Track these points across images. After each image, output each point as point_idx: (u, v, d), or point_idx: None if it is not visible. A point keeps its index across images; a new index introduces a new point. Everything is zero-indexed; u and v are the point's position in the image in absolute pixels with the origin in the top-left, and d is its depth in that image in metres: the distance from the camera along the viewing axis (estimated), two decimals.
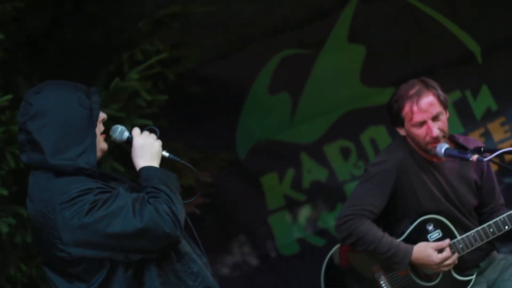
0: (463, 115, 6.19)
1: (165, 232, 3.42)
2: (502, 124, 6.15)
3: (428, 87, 4.60)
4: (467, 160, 4.50)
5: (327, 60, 6.33)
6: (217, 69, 6.41)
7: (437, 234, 4.68)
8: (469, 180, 4.73)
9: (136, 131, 3.67)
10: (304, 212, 6.66)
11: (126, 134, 3.69)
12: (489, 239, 4.65)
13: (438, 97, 4.58)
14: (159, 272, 3.51)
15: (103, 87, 5.34)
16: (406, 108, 4.57)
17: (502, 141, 6.12)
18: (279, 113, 6.51)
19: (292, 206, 6.64)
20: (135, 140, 3.64)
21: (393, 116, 4.67)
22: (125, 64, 5.41)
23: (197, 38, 5.92)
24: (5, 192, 4.90)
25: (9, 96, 4.88)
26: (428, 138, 4.56)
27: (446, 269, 4.64)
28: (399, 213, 4.73)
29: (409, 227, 4.70)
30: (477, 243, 4.65)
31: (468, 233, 4.65)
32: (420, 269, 4.69)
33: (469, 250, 4.66)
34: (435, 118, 4.55)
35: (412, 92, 4.58)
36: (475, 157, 4.47)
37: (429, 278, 4.70)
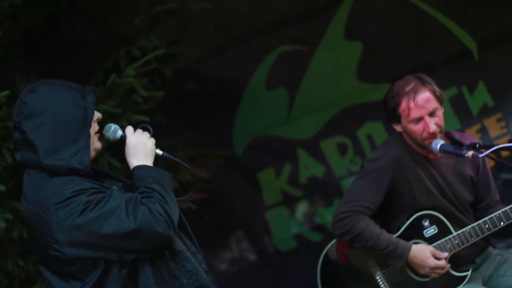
0: (459, 111, 6.20)
1: (158, 232, 3.43)
2: (499, 120, 6.15)
3: (424, 83, 4.61)
4: (463, 156, 4.51)
5: (324, 56, 6.34)
6: (214, 66, 6.41)
7: (432, 230, 4.69)
8: (465, 176, 4.74)
9: (129, 129, 3.68)
10: (301, 208, 6.66)
11: (120, 132, 3.69)
12: (485, 235, 4.66)
13: (434, 93, 4.59)
14: (153, 271, 3.53)
15: (100, 84, 5.35)
16: (403, 105, 4.58)
17: (498, 137, 6.13)
18: (276, 109, 6.51)
19: (289, 201, 6.64)
20: (129, 139, 3.65)
21: (389, 112, 4.67)
22: (121, 60, 5.41)
23: (194, 35, 5.91)
24: (2, 188, 4.91)
25: (6, 92, 4.88)
26: (425, 134, 4.57)
27: (435, 275, 4.65)
28: (395, 209, 4.74)
29: (405, 223, 4.71)
30: (472, 239, 4.66)
31: (464, 229, 4.66)
32: None
33: (464, 246, 4.67)
34: (431, 114, 4.57)
35: (408, 88, 4.58)
36: (470, 153, 4.48)
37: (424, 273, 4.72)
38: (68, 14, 5.42)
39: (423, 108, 4.55)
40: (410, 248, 4.61)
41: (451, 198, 4.70)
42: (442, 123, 4.60)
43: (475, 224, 4.66)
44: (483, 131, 6.16)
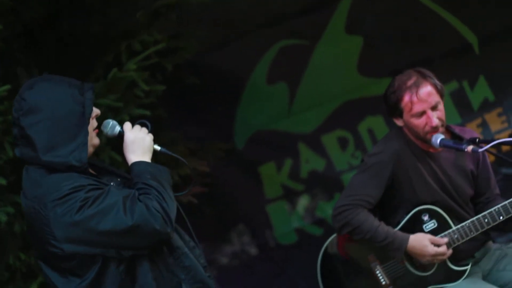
0: (460, 105, 6.20)
1: (155, 229, 3.44)
2: (499, 115, 6.16)
3: (425, 77, 4.61)
4: (462, 150, 4.51)
5: (325, 50, 6.34)
6: (215, 60, 6.42)
7: (432, 224, 4.70)
8: (465, 170, 4.75)
9: (127, 125, 3.68)
10: (302, 202, 6.67)
11: (118, 128, 3.70)
12: (484, 229, 4.66)
13: (435, 86, 4.60)
14: (151, 267, 3.54)
15: (101, 78, 5.35)
16: (406, 99, 4.58)
17: (499, 132, 6.13)
18: (277, 103, 6.51)
19: (290, 195, 6.65)
20: (126, 134, 3.65)
21: (391, 107, 4.67)
22: (123, 54, 5.40)
23: (195, 29, 5.92)
24: (3, 182, 4.91)
25: (7, 86, 4.87)
26: (427, 128, 4.57)
27: (438, 261, 4.66)
28: (395, 203, 4.74)
29: (404, 217, 4.71)
30: (472, 233, 4.66)
31: (463, 224, 4.67)
32: (415, 259, 4.71)
33: (464, 240, 4.67)
34: (434, 108, 4.57)
35: (410, 82, 4.58)
36: (470, 147, 4.48)
37: (424, 268, 4.72)
38: (69, 8, 5.42)
39: (426, 102, 4.55)
40: (408, 238, 4.62)
41: (451, 192, 4.70)
42: (443, 117, 4.61)
43: (474, 218, 4.66)
44: (484, 125, 6.16)
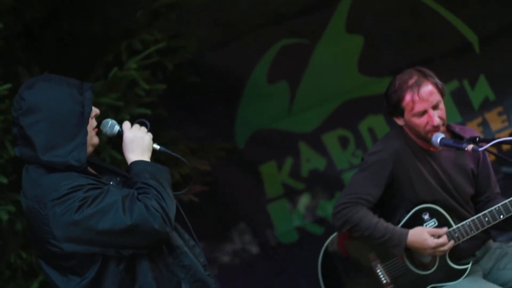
0: (460, 104, 6.21)
1: (154, 228, 3.45)
2: (500, 114, 6.16)
3: (426, 76, 4.61)
4: (463, 149, 4.51)
5: (325, 49, 6.34)
6: (216, 59, 6.42)
7: (432, 223, 4.70)
8: (466, 169, 4.75)
9: (126, 124, 3.68)
10: (303, 201, 6.67)
11: (117, 128, 3.70)
12: (485, 228, 4.66)
13: (436, 85, 4.60)
14: (151, 266, 3.55)
15: (101, 77, 5.36)
16: (407, 98, 4.57)
17: (499, 131, 6.14)
18: (278, 102, 6.52)
19: (290, 194, 6.66)
20: (126, 134, 3.65)
21: (392, 106, 4.67)
22: (123, 53, 5.41)
23: (195, 29, 5.92)
24: (4, 180, 4.92)
25: (8, 85, 4.88)
26: (429, 127, 4.57)
27: (440, 253, 4.65)
28: (395, 202, 4.74)
29: (405, 216, 4.71)
30: (472, 232, 4.66)
31: (464, 222, 4.66)
32: (416, 257, 4.71)
33: (464, 239, 4.67)
34: (435, 107, 4.57)
35: (411, 82, 4.58)
36: (470, 146, 4.48)
37: (425, 266, 4.72)
38: (69, 7, 5.42)
39: (427, 101, 4.55)
40: (407, 234, 4.61)
41: (451, 191, 4.70)
42: (444, 116, 4.61)
43: (475, 217, 4.66)
44: (484, 124, 6.17)
